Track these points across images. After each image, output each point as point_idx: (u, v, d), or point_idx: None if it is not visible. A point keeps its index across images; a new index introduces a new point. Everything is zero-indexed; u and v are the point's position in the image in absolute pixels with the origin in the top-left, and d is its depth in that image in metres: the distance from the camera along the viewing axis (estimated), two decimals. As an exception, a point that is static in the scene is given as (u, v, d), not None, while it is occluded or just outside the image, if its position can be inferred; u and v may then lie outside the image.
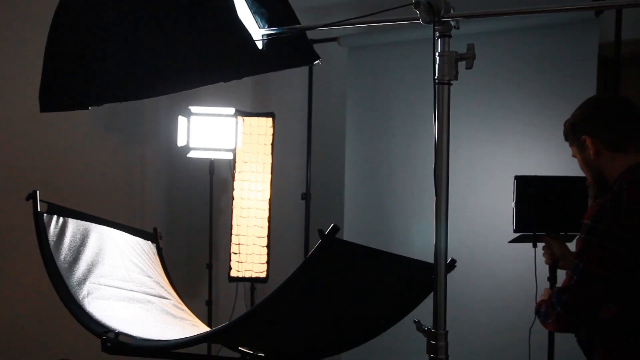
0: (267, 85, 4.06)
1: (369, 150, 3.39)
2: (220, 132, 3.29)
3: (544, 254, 2.17)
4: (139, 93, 1.46)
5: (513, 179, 2.24)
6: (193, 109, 3.29)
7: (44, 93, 1.47)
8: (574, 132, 1.83)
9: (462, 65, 1.39)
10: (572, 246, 1.91)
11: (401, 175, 3.25)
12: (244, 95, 4.04)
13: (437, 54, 1.37)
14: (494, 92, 2.95)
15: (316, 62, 1.41)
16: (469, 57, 1.36)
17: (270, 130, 3.47)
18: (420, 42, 3.14)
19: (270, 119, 3.47)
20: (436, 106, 1.37)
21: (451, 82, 1.37)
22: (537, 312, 1.76)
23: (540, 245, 2.20)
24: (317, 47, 3.96)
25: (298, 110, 3.80)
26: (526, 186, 2.23)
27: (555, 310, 1.64)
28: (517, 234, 2.28)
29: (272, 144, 3.48)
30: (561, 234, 2.24)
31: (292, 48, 1.51)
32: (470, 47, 1.36)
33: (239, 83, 4.33)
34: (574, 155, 1.88)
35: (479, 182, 2.99)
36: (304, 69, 3.60)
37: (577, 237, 1.67)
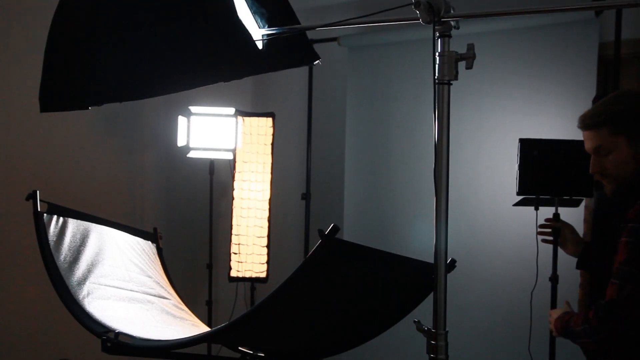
0: (267, 85, 4.06)
1: (369, 150, 3.39)
2: (220, 132, 3.29)
3: (539, 232, 2.12)
4: (139, 93, 1.46)
5: (518, 141, 2.22)
6: (193, 109, 3.29)
7: (44, 93, 1.47)
8: (627, 123, 1.65)
9: (462, 65, 1.40)
10: (574, 215, 1.84)
11: (401, 175, 3.25)
12: (244, 95, 4.04)
13: (437, 54, 1.37)
14: (493, 92, 2.95)
15: (316, 62, 1.41)
16: (469, 57, 1.36)
17: (270, 130, 3.47)
18: (420, 42, 3.14)
19: (270, 119, 3.47)
20: (436, 106, 1.37)
21: (451, 82, 1.37)
22: (568, 332, 1.64)
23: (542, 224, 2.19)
24: (317, 47, 3.96)
25: (298, 110, 3.80)
26: (530, 149, 2.20)
27: (608, 325, 1.50)
28: (520, 197, 2.26)
29: (272, 144, 3.48)
30: (565, 197, 2.22)
31: (292, 48, 1.51)
32: (470, 47, 1.36)
33: (239, 83, 4.32)
34: (597, 149, 1.71)
35: (479, 182, 2.99)
36: (304, 69, 3.60)
37: (621, 242, 1.55)
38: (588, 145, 1.73)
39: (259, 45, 1.48)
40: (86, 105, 1.44)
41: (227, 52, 1.41)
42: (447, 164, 1.39)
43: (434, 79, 1.36)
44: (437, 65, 1.36)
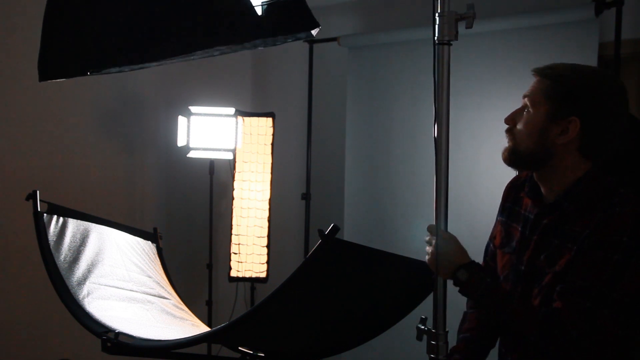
0: (267, 85, 4.06)
1: (369, 150, 3.39)
2: (220, 132, 3.29)
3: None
4: (138, 58, 1.41)
5: None
6: (193, 109, 3.30)
7: (42, 61, 1.44)
8: (565, 98, 1.41)
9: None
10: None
11: (401, 175, 3.25)
12: (244, 95, 4.04)
13: (436, 14, 1.36)
14: (493, 93, 2.94)
15: (315, 29, 1.38)
16: (469, 16, 1.34)
17: (270, 130, 3.47)
18: (420, 42, 3.15)
19: (270, 119, 3.47)
20: (436, 67, 1.35)
21: (451, 42, 1.35)
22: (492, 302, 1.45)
23: None
24: (317, 47, 3.95)
25: (298, 110, 3.80)
26: None
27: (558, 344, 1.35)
28: None
29: (272, 144, 3.48)
30: None
31: (291, 15, 1.47)
32: (470, 7, 1.34)
33: (239, 83, 4.32)
34: (525, 108, 1.48)
35: (479, 182, 2.99)
36: (304, 69, 3.60)
37: (597, 255, 1.32)
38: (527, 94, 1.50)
39: (258, 11, 1.45)
40: (85, 71, 1.41)
41: (226, 17, 1.39)
42: (447, 164, 1.39)
43: (434, 40, 1.35)
44: (436, 26, 1.35)
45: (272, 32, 1.29)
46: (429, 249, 1.47)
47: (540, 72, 1.49)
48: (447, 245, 1.45)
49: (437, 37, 1.35)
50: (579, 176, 1.44)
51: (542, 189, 1.52)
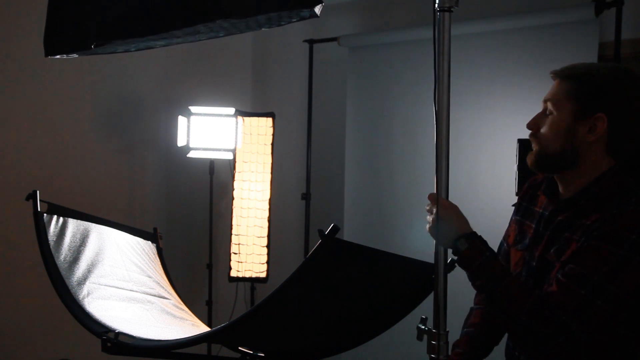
0: (267, 85, 4.06)
1: (369, 150, 3.39)
2: (220, 132, 3.29)
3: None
4: (140, 30, 1.39)
5: (516, 142, 2.23)
6: (193, 109, 3.30)
7: (48, 37, 1.43)
8: (591, 96, 1.41)
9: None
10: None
11: (401, 175, 3.25)
12: (244, 95, 4.04)
13: None
14: (493, 93, 2.94)
15: (319, 6, 1.34)
16: None
17: (270, 130, 3.47)
18: (420, 42, 3.15)
19: (270, 119, 3.47)
20: (437, 36, 1.33)
21: (452, 8, 1.34)
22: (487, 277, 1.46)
23: None
24: (317, 47, 3.94)
25: (298, 110, 3.80)
26: (528, 149, 2.23)
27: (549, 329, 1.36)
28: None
29: (272, 144, 3.48)
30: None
31: None
32: None
33: (239, 83, 4.32)
34: (548, 111, 1.49)
35: (479, 182, 2.99)
36: (304, 69, 3.60)
37: (599, 247, 1.33)
38: (548, 97, 1.49)
39: None
40: (89, 44, 1.40)
41: None
42: (447, 163, 1.39)
43: (434, 8, 1.33)
44: None
45: (275, 6, 1.25)
46: (429, 217, 1.46)
47: (560, 74, 1.48)
48: (448, 214, 1.44)
49: (438, 4, 1.32)
50: (599, 174, 1.44)
51: (560, 187, 1.53)
